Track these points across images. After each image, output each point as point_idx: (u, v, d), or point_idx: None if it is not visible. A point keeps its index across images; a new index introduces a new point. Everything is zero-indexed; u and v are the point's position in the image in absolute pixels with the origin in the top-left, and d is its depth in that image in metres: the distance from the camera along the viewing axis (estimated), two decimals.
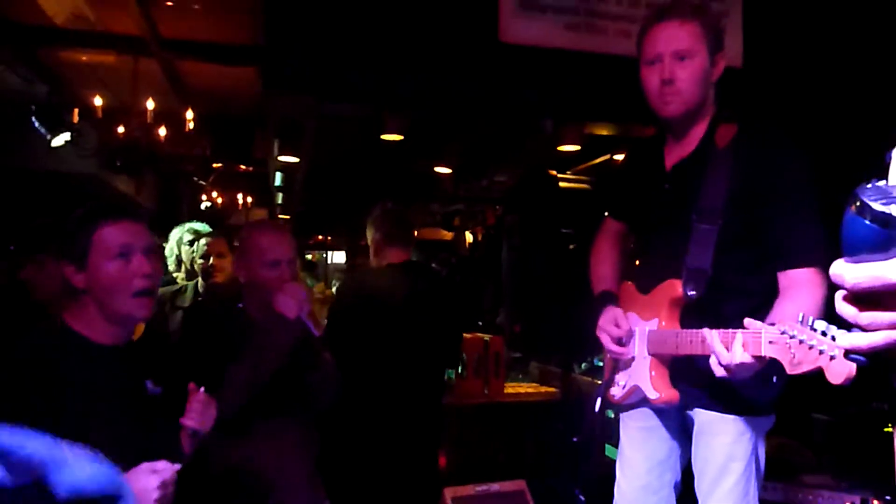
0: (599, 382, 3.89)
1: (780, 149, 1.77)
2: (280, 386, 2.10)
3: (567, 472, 3.61)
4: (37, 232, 2.58)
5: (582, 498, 3.50)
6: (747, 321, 1.48)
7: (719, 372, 1.55)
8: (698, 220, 1.77)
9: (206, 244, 3.49)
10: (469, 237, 8.87)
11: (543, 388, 4.15)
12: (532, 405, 3.97)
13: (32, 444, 0.70)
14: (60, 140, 4.77)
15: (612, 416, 3.17)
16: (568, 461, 3.67)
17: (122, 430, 1.54)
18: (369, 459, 2.82)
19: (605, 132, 3.75)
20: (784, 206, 1.72)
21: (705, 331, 1.56)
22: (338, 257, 13.01)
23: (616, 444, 3.56)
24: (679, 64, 1.80)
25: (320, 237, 11.88)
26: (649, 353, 1.85)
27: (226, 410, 2.01)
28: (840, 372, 1.22)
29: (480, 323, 6.15)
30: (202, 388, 1.76)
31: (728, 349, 1.50)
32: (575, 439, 3.61)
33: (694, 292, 1.75)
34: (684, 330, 1.73)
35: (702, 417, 1.87)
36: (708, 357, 1.60)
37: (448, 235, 9.16)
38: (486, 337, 3.96)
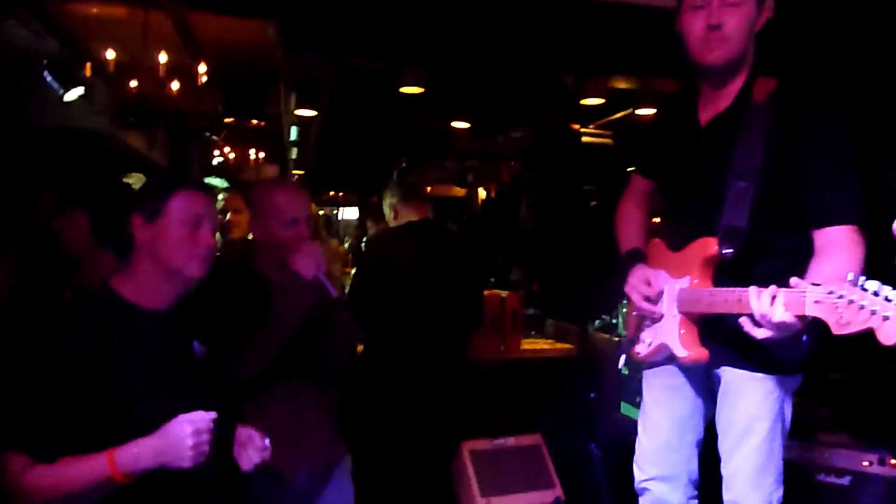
0: (616, 339, 3.93)
1: (819, 104, 1.73)
2: (297, 345, 2.08)
3: (582, 428, 3.65)
4: (69, 185, 2.60)
5: (596, 451, 3.54)
6: (793, 280, 1.46)
7: (758, 333, 1.53)
8: (734, 177, 1.73)
9: (223, 200, 3.50)
10: (482, 194, 8.83)
11: (559, 345, 4.16)
12: (548, 362, 3.98)
13: None
14: (74, 95, 4.72)
15: (627, 372, 3.18)
16: (583, 417, 3.70)
17: (173, 397, 1.57)
18: (391, 415, 2.86)
19: (626, 86, 3.68)
20: (822, 163, 1.68)
21: (751, 289, 1.53)
22: (349, 213, 12.99)
23: (631, 402, 3.59)
24: (728, 10, 1.74)
25: (332, 193, 11.84)
26: (679, 312, 1.83)
27: (245, 373, 2.02)
28: (894, 333, 1.21)
29: (493, 280, 6.15)
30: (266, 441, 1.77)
31: (770, 308, 1.48)
32: (592, 395, 3.63)
33: (730, 250, 1.72)
34: (720, 288, 1.70)
35: (729, 376, 1.86)
36: (740, 316, 1.58)
37: (461, 192, 9.12)
38: (503, 294, 3.95)
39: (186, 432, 1.44)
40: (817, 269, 1.62)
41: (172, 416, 1.49)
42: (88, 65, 4.80)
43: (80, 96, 4.84)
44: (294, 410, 2.13)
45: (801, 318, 1.45)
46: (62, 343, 1.51)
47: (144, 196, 1.68)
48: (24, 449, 1.44)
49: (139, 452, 1.44)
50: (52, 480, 1.42)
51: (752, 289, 1.53)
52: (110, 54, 4.62)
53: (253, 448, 1.75)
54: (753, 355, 1.77)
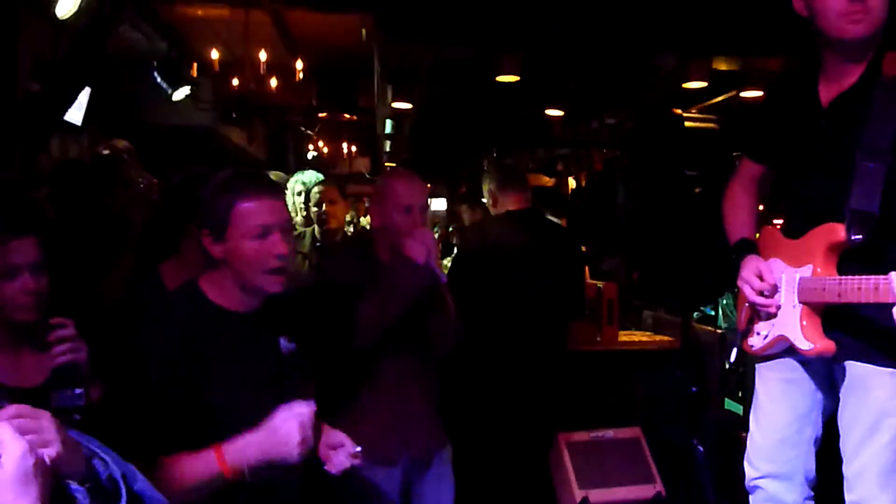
0: (719, 332, 3.77)
1: None
2: (405, 329, 2.13)
3: (684, 423, 3.53)
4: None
5: (700, 448, 3.43)
6: None
7: None
8: (864, 157, 1.62)
9: (320, 192, 3.57)
10: (572, 183, 8.68)
11: (658, 337, 4.05)
12: (647, 354, 3.88)
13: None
14: (181, 94, 4.96)
15: (727, 367, 3.06)
16: (684, 411, 3.58)
17: (257, 396, 1.56)
18: (490, 405, 2.86)
19: (730, 67, 3.52)
20: None
21: (892, 275, 1.43)
22: (436, 204, 13.06)
23: (733, 397, 3.43)
24: None
25: None
26: (800, 302, 1.74)
27: (354, 344, 2.08)
28: None
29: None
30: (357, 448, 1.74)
31: None
32: (694, 390, 3.51)
33: (859, 236, 1.62)
34: (850, 276, 1.60)
35: (855, 370, 1.75)
36: (868, 306, 1.48)
37: (549, 181, 9.00)
38: (600, 284, 3.88)
39: (293, 427, 1.42)
40: None
41: (264, 410, 1.47)
42: (195, 65, 5.03)
43: (187, 95, 5.09)
44: (401, 394, 2.18)
45: None
46: (152, 339, 1.53)
47: (205, 210, 1.60)
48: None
49: (245, 446, 1.43)
50: (170, 476, 1.41)
51: (894, 275, 1.42)
52: (214, 54, 4.82)
53: (344, 453, 1.72)
54: (883, 348, 1.66)
